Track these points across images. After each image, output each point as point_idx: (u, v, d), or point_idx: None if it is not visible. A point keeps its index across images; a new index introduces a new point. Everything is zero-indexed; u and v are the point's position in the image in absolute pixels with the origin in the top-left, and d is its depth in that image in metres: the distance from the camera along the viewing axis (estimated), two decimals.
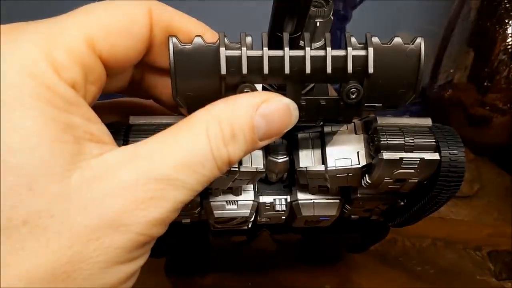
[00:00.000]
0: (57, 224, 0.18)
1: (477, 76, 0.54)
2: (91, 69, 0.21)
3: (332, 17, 0.24)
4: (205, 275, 0.42)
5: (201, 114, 0.21)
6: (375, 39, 0.21)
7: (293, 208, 0.29)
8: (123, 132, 0.23)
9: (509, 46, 0.52)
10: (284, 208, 0.29)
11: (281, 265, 0.43)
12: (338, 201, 0.29)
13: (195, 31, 0.23)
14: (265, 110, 0.21)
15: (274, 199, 0.29)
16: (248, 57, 0.21)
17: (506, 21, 0.52)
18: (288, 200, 0.29)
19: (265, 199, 0.29)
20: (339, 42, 0.70)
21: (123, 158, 0.19)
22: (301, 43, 0.22)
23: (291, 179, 0.29)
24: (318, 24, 0.23)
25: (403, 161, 0.24)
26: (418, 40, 0.22)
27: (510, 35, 0.52)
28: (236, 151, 0.21)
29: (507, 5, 0.52)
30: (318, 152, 0.26)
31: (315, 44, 0.24)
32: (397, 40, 0.22)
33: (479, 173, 0.55)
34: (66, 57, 0.19)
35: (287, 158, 0.27)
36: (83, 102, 0.20)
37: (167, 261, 0.42)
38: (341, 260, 0.43)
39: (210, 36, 0.24)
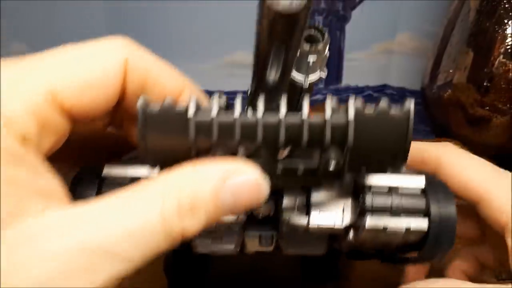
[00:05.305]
0: None
1: (477, 77, 0.54)
2: (48, 120, 0.20)
3: (328, 53, 0.22)
4: (205, 277, 0.41)
5: (161, 180, 0.19)
6: (358, 104, 0.19)
7: (279, 243, 0.27)
8: (96, 185, 0.23)
9: (508, 47, 0.52)
10: (269, 244, 0.27)
11: (282, 268, 0.43)
12: (325, 240, 0.27)
13: (172, 84, 0.22)
14: (234, 183, 0.19)
15: (260, 235, 0.27)
16: (219, 124, 0.19)
17: (506, 21, 0.52)
18: (274, 236, 0.27)
19: (251, 234, 0.27)
20: (338, 42, 0.70)
21: (63, 221, 0.18)
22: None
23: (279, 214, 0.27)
24: (311, 63, 0.22)
25: (388, 230, 0.22)
26: (407, 104, 0.19)
27: (509, 35, 0.52)
28: (194, 226, 0.19)
29: (506, 5, 0.52)
30: (302, 204, 0.24)
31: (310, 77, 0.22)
32: (383, 106, 0.19)
33: None
34: (21, 108, 0.19)
35: (269, 205, 0.25)
36: (31, 155, 0.19)
37: (167, 262, 0.42)
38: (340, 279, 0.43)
39: (188, 92, 0.23)
